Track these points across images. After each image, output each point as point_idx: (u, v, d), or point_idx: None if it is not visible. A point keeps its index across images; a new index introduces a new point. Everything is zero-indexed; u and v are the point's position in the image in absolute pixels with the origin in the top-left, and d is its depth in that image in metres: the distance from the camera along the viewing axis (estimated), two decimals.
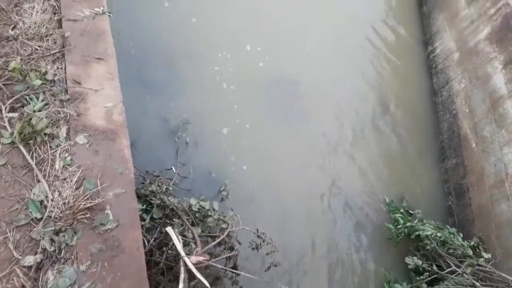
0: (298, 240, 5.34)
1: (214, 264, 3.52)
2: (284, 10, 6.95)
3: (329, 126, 6.26)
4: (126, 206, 2.97)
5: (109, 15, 3.85)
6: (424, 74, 7.43)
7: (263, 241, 4.44)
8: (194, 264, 3.13)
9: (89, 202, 2.86)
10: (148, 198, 4.05)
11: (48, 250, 2.66)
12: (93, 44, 3.63)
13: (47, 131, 3.08)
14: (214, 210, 4.29)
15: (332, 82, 6.63)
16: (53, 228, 2.72)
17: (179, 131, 5.34)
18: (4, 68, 3.27)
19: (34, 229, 2.71)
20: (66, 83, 3.37)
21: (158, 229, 3.88)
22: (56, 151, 3.04)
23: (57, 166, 2.97)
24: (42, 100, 3.22)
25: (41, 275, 2.59)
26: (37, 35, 3.57)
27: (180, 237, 3.32)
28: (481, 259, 5.04)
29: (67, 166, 2.99)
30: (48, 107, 3.20)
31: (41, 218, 2.75)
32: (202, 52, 6.01)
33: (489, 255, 5.11)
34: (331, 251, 5.45)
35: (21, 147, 2.98)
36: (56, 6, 3.79)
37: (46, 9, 3.75)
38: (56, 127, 3.15)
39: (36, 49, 3.50)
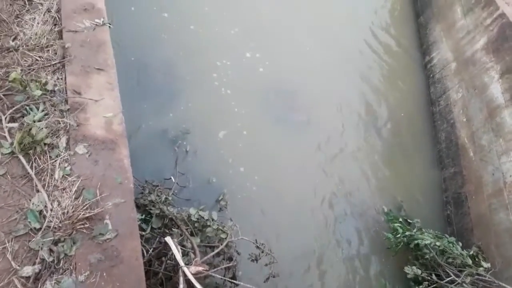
0: (295, 249, 5.32)
1: (213, 275, 3.51)
2: (282, 17, 7.06)
3: (327, 135, 6.28)
4: (125, 216, 2.97)
5: (109, 26, 3.89)
6: (421, 84, 7.49)
7: (262, 252, 4.43)
8: (193, 274, 3.12)
9: (88, 212, 2.86)
10: (147, 208, 4.04)
11: (47, 260, 2.66)
12: (93, 55, 3.66)
13: (47, 141, 3.09)
14: (213, 220, 4.29)
15: (330, 90, 6.69)
16: (52, 238, 2.72)
17: (178, 140, 5.35)
18: (4, 78, 3.29)
19: (33, 239, 2.71)
20: (66, 93, 3.39)
21: (157, 239, 3.87)
22: (55, 161, 3.05)
23: (56, 176, 2.98)
24: (42, 110, 3.24)
25: (39, 285, 2.58)
26: (37, 46, 3.60)
27: (179, 247, 3.31)
28: (481, 268, 5.03)
29: (66, 176, 3.00)
30: (48, 117, 3.22)
31: (40, 228, 2.75)
32: (201, 59, 6.07)
33: (489, 265, 5.11)
34: (329, 260, 5.43)
35: (20, 157, 2.99)
36: (57, 18, 3.83)
37: (47, 20, 3.79)
38: (56, 137, 3.16)
39: (37, 59, 3.53)
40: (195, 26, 6.31)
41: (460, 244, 5.34)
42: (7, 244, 2.66)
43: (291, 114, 6.26)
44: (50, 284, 2.58)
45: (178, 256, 3.21)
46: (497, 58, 5.92)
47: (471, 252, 5.29)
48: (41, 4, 3.89)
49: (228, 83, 6.05)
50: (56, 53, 3.59)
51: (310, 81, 6.61)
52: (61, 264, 2.67)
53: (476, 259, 5.24)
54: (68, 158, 3.08)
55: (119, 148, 3.26)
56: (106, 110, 3.40)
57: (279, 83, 6.41)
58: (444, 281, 4.93)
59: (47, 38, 3.66)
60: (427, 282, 5.03)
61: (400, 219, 5.70)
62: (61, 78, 3.48)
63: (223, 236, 4.17)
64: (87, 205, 2.89)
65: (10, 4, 3.80)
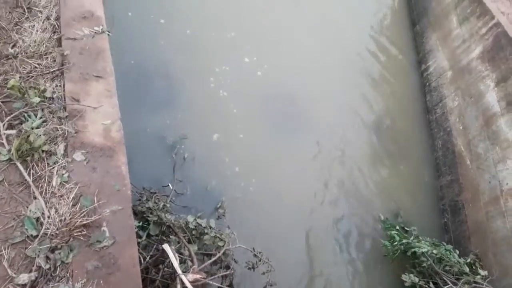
0: (292, 256, 5.32)
1: (211, 282, 3.50)
2: (280, 21, 7.14)
3: (324, 141, 6.30)
4: (123, 223, 2.97)
5: (108, 34, 3.90)
6: (418, 92, 7.54)
7: (260, 260, 4.42)
8: (190, 282, 3.11)
9: (86, 219, 2.85)
10: (145, 215, 4.04)
11: (43, 268, 2.65)
12: (92, 62, 3.68)
13: (45, 148, 3.09)
14: (210, 227, 4.28)
15: (327, 96, 6.74)
16: (48, 245, 2.71)
17: (176, 146, 5.35)
18: (3, 85, 3.30)
19: (30, 247, 2.70)
20: (64, 100, 3.40)
21: (155, 246, 3.86)
22: (53, 168, 3.05)
23: (54, 183, 2.98)
24: (41, 117, 3.24)
25: None
26: (36, 53, 3.61)
27: (176, 254, 3.30)
28: (478, 276, 5.03)
29: (64, 183, 2.99)
30: (46, 124, 3.22)
31: (37, 235, 2.74)
32: (199, 65, 6.11)
33: (486, 272, 5.11)
34: (326, 268, 5.41)
35: (18, 164, 2.98)
36: (56, 25, 3.85)
37: (46, 28, 3.81)
38: (54, 144, 3.16)
39: (35, 67, 3.54)
40: (191, 31, 6.35)
41: (457, 252, 5.35)
42: (4, 252, 2.64)
43: (289, 120, 6.29)
44: None
45: (176, 263, 3.20)
46: (493, 67, 5.98)
47: (468, 260, 5.29)
48: (41, 12, 3.91)
49: (226, 87, 6.08)
50: (55, 61, 3.60)
51: (308, 86, 6.65)
52: (57, 272, 2.66)
53: (474, 267, 5.25)
54: (66, 165, 3.08)
55: (117, 155, 3.26)
56: (105, 117, 3.41)
57: (278, 86, 6.45)
58: None
59: (46, 46, 3.67)
60: None
61: (397, 227, 5.70)
62: (60, 85, 3.49)
63: (220, 244, 4.16)
64: (85, 212, 2.89)
65: (10, 12, 3.82)
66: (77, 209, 2.89)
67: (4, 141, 3.04)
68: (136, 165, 4.85)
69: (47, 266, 2.65)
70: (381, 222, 5.90)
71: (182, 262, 3.63)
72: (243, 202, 5.34)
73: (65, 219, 2.82)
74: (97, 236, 2.83)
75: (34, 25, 3.78)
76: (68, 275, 2.66)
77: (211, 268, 4.20)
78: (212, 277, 3.68)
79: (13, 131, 3.13)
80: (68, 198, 2.93)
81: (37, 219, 2.81)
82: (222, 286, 4.10)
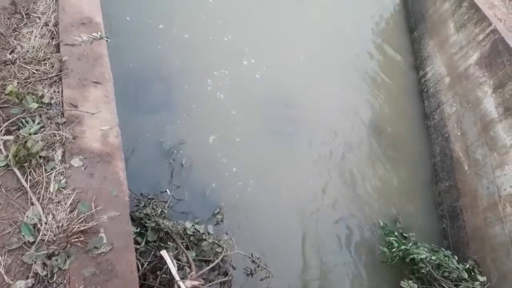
0: (290, 262, 5.30)
1: None
2: (279, 24, 7.20)
3: (323, 145, 6.32)
4: (120, 229, 2.95)
5: (106, 40, 3.91)
6: (416, 98, 7.57)
7: (258, 266, 4.40)
8: None
9: (83, 225, 2.84)
10: (142, 221, 4.02)
11: (40, 275, 2.63)
12: (90, 68, 3.68)
13: (43, 153, 3.09)
14: (208, 233, 4.26)
15: (326, 101, 6.79)
16: (45, 251, 2.69)
17: (174, 151, 5.34)
18: (1, 91, 3.29)
19: (27, 253, 2.68)
20: (62, 106, 3.39)
21: (152, 252, 3.84)
22: (51, 173, 3.03)
23: (51, 189, 2.96)
24: (38, 123, 3.23)
25: None
26: (34, 59, 3.61)
27: (174, 261, 3.29)
28: (477, 282, 5.02)
29: (61, 189, 2.98)
30: (44, 130, 3.22)
31: (34, 242, 2.73)
32: (197, 69, 6.13)
33: (485, 278, 5.10)
34: (325, 274, 5.39)
35: (15, 169, 2.97)
36: (55, 31, 3.86)
37: (45, 34, 3.81)
38: (52, 149, 3.16)
39: (34, 72, 3.54)
40: (189, 35, 6.37)
41: (456, 257, 5.34)
42: (0, 258, 2.62)
43: (288, 122, 6.30)
44: None
45: (174, 270, 3.18)
46: (490, 73, 6.01)
47: (467, 266, 5.28)
48: (39, 18, 3.92)
49: (225, 91, 6.09)
50: (53, 66, 3.60)
51: (307, 89, 6.69)
52: (54, 278, 2.64)
53: (472, 273, 5.24)
54: (63, 171, 3.07)
55: (115, 161, 3.25)
56: (103, 123, 3.41)
57: (276, 88, 6.47)
58: None
59: (44, 52, 3.67)
60: None
61: (396, 233, 5.69)
62: (58, 91, 3.49)
63: (218, 250, 4.14)
64: (82, 218, 2.87)
65: (8, 18, 3.82)
66: (75, 215, 2.88)
67: (2, 147, 3.03)
68: (134, 171, 4.86)
69: (44, 273, 2.63)
70: (381, 228, 5.89)
71: (180, 268, 3.61)
72: (241, 207, 5.32)
73: (62, 225, 2.81)
74: (95, 242, 2.81)
75: (32, 31, 3.78)
76: (65, 281, 2.64)
77: (209, 274, 4.17)
78: (210, 284, 3.66)
79: (11, 137, 3.12)
80: (65, 204, 2.92)
81: (34, 225, 2.79)
82: None
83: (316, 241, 5.57)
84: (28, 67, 3.56)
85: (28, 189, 2.91)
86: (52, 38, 3.82)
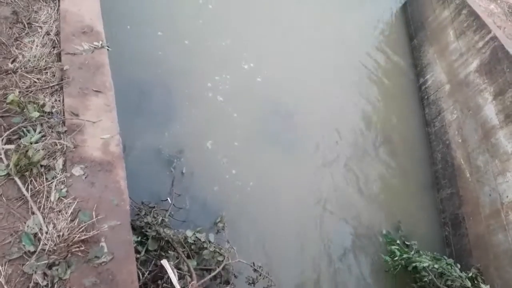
0: (291, 271, 5.26)
1: None
2: (278, 28, 7.26)
3: (323, 152, 6.31)
4: (121, 239, 2.94)
5: (107, 49, 3.92)
6: (416, 105, 7.58)
7: (260, 275, 4.37)
8: None
9: (84, 235, 2.82)
10: (143, 230, 4.00)
11: (41, 285, 2.61)
12: (91, 77, 3.69)
13: (44, 162, 3.08)
14: (210, 242, 4.24)
15: (327, 105, 6.81)
16: (46, 261, 2.67)
17: (175, 159, 5.33)
18: (2, 100, 3.29)
19: (27, 263, 2.66)
20: (63, 115, 3.39)
21: (153, 261, 3.81)
22: (52, 182, 3.02)
23: (52, 198, 2.95)
24: (39, 132, 3.23)
25: None
26: (36, 68, 3.62)
27: (175, 270, 3.26)
28: None
29: (62, 198, 2.97)
30: (45, 139, 3.21)
31: (35, 251, 2.71)
32: (198, 74, 6.15)
33: (488, 287, 5.05)
34: (327, 283, 5.35)
35: (16, 179, 2.96)
36: (56, 40, 3.87)
37: (46, 43, 3.83)
38: (53, 158, 3.15)
39: (35, 81, 3.55)
40: (189, 41, 6.40)
41: (459, 266, 5.30)
42: (1, 268, 2.61)
43: (289, 129, 6.31)
44: None
45: (175, 279, 3.16)
46: (490, 80, 6.02)
47: (470, 274, 5.24)
48: (41, 27, 3.94)
49: (226, 95, 6.10)
50: (54, 75, 3.61)
51: (307, 97, 6.73)
52: None
53: (475, 281, 5.19)
54: (64, 180, 3.06)
55: (116, 169, 3.24)
56: (104, 132, 3.40)
57: (277, 93, 6.49)
58: None
59: (45, 61, 3.69)
60: None
61: (398, 241, 5.66)
62: (59, 100, 3.49)
63: (220, 258, 4.11)
64: (83, 228, 2.86)
65: (10, 27, 3.84)
66: (75, 224, 2.87)
67: (3, 156, 3.03)
68: (135, 179, 4.84)
69: (45, 283, 2.61)
70: (383, 236, 5.86)
71: (181, 277, 3.58)
72: (243, 215, 5.30)
73: (63, 234, 2.79)
74: (95, 251, 2.80)
75: (34, 40, 3.80)
76: None
77: (211, 283, 4.14)
78: None
79: (12, 146, 3.11)
80: (66, 213, 2.91)
81: (35, 234, 2.78)
82: None
83: (317, 250, 5.54)
84: (29, 76, 3.57)
85: (29, 198, 2.90)
86: (54, 47, 3.83)
